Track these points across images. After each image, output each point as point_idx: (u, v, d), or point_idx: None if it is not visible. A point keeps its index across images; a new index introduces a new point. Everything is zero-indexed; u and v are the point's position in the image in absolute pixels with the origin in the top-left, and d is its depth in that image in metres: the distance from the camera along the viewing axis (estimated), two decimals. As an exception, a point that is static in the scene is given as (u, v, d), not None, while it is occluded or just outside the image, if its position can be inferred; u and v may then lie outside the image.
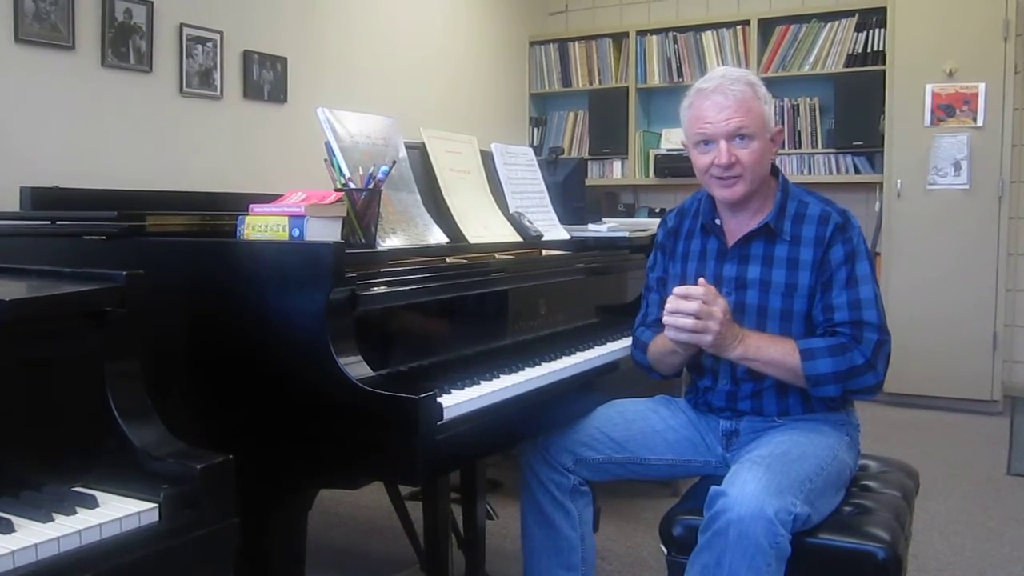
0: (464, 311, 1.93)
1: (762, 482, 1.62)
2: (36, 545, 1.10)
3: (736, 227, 1.97)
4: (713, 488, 1.66)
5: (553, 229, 2.55)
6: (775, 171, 1.99)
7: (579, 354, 2.10)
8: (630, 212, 5.85)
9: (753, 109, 1.88)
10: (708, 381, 2.01)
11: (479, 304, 1.98)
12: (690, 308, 1.78)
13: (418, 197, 2.09)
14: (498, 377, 1.81)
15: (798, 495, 1.65)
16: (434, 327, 1.85)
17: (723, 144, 1.87)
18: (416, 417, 1.47)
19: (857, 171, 5.29)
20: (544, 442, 2.03)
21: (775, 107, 2.07)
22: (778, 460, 1.71)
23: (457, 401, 1.62)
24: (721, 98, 1.88)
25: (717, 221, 2.00)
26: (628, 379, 2.22)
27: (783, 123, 5.33)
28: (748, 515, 1.57)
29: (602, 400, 2.11)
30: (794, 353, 1.82)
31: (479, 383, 1.75)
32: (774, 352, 1.84)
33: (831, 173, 5.34)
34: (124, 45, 3.40)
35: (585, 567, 2.05)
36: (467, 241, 2.14)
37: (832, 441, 1.86)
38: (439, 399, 1.55)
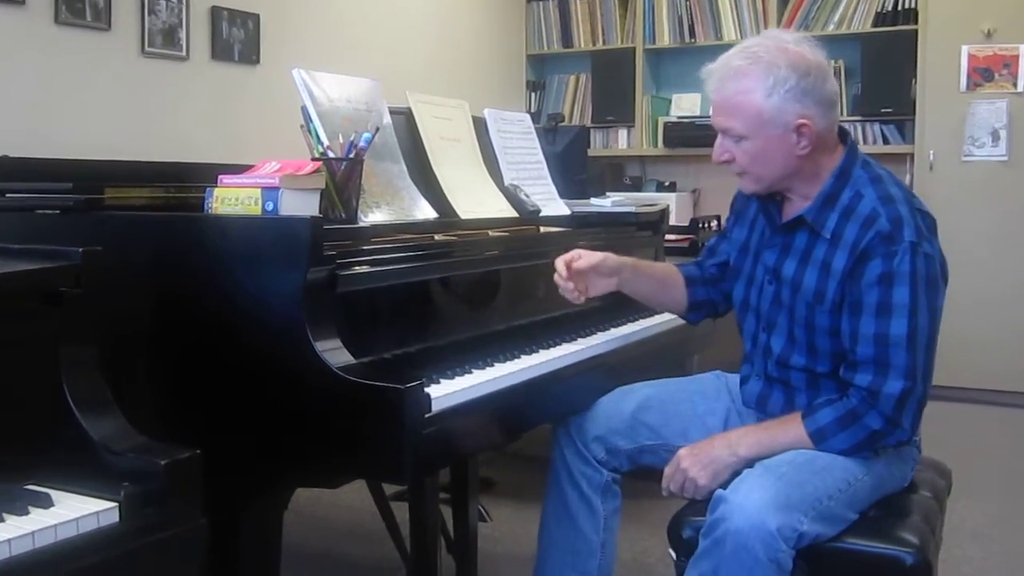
0: (455, 293, 1.93)
1: (769, 492, 1.60)
2: (-15, 548, 1.10)
3: (788, 208, 1.93)
4: (718, 491, 1.66)
5: (552, 204, 2.55)
6: (852, 147, 1.93)
7: (580, 341, 2.11)
8: (637, 186, 5.85)
9: (744, 107, 1.78)
10: (746, 369, 2.01)
11: (471, 286, 1.98)
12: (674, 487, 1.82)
13: (404, 167, 2.08)
14: (492, 365, 1.82)
15: (808, 512, 1.62)
16: (422, 311, 1.85)
17: (719, 138, 1.85)
18: (402, 409, 1.47)
19: (886, 141, 5.29)
20: (577, 431, 2.02)
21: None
22: (796, 470, 1.68)
23: (447, 392, 1.62)
24: (711, 90, 1.84)
25: (778, 197, 1.94)
26: (634, 367, 2.22)
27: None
28: (747, 527, 1.57)
29: (607, 389, 2.10)
30: (805, 438, 1.77)
31: (471, 372, 1.75)
32: (785, 440, 1.78)
33: (857, 143, 5.31)
34: (80, 0, 3.38)
35: None
36: (458, 216, 2.14)
37: (868, 454, 1.79)
38: (427, 389, 1.55)
